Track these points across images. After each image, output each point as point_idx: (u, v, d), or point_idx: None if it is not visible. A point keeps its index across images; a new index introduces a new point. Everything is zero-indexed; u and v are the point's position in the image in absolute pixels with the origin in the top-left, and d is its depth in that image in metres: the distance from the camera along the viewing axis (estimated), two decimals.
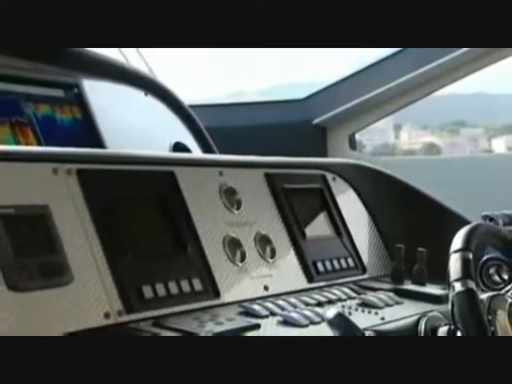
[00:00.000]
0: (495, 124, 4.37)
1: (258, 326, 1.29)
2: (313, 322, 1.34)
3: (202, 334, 1.20)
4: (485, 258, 1.63)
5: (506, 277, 1.61)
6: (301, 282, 1.59)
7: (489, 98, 4.45)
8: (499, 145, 4.25)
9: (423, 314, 1.45)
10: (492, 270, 1.63)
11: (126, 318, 1.24)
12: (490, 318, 1.28)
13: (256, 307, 1.37)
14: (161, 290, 1.30)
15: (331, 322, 1.18)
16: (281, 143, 2.94)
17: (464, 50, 2.86)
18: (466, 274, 1.24)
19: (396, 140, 4.38)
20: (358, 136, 3.34)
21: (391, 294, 1.57)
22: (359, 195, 1.88)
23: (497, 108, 4.31)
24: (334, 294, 1.53)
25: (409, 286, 1.67)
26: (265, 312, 1.36)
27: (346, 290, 1.58)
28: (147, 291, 1.28)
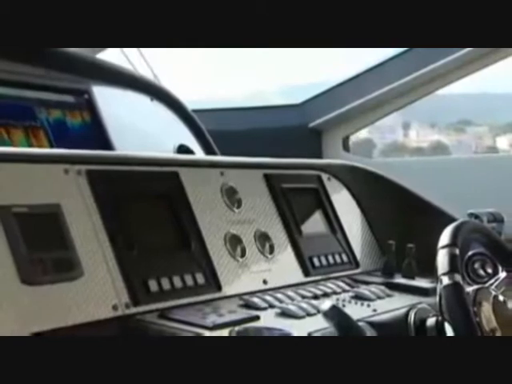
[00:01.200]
0: (498, 122, 4.34)
1: (257, 318, 1.29)
2: (309, 314, 1.34)
3: (205, 325, 1.20)
4: (470, 253, 1.63)
5: (490, 271, 1.62)
6: (298, 276, 1.59)
7: (492, 97, 4.42)
8: (503, 142, 4.24)
9: (412, 306, 1.45)
10: (477, 265, 1.63)
11: (132, 310, 1.24)
12: (475, 309, 1.28)
13: (256, 300, 1.37)
14: (166, 283, 1.30)
15: (326, 314, 1.18)
16: (279, 146, 2.94)
17: (465, 50, 2.84)
18: (452, 269, 1.24)
19: (405, 138, 4.33)
20: (368, 134, 3.32)
21: (382, 288, 1.57)
22: (353, 194, 1.88)
23: (500, 107, 4.29)
24: (329, 287, 1.53)
25: (399, 280, 1.67)
26: (264, 304, 1.36)
27: (341, 283, 1.58)
28: (153, 285, 1.28)
